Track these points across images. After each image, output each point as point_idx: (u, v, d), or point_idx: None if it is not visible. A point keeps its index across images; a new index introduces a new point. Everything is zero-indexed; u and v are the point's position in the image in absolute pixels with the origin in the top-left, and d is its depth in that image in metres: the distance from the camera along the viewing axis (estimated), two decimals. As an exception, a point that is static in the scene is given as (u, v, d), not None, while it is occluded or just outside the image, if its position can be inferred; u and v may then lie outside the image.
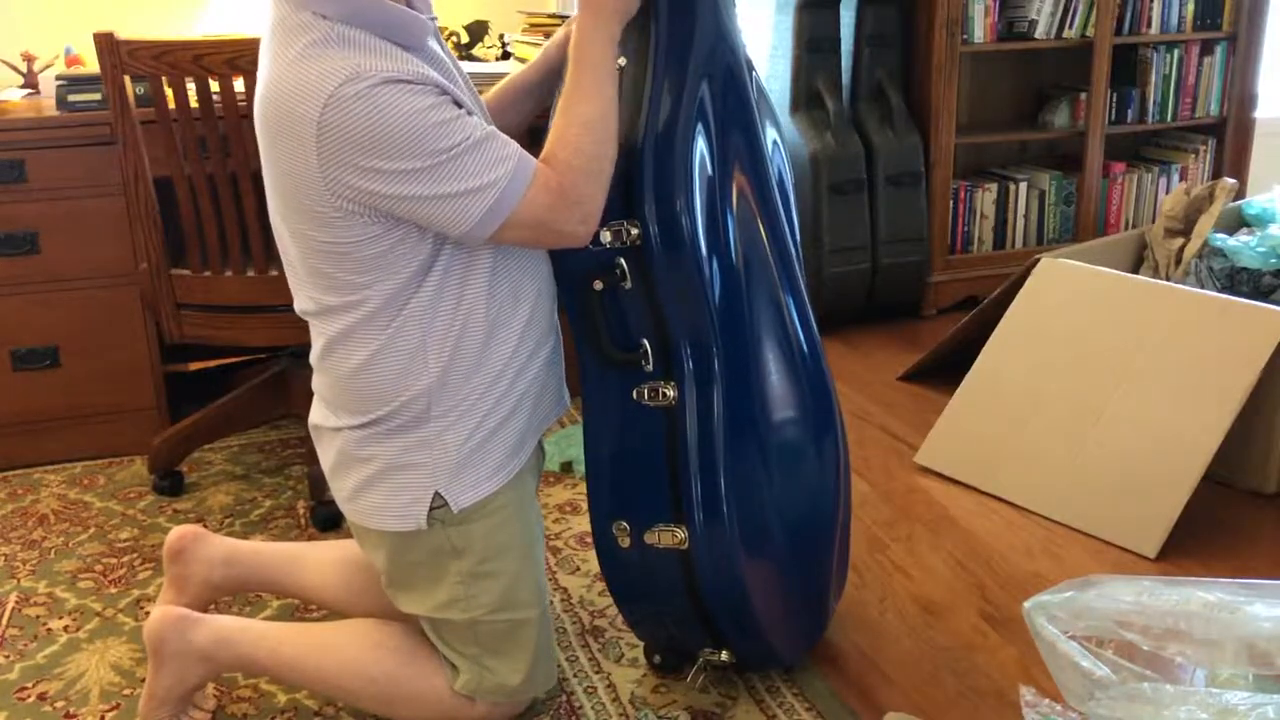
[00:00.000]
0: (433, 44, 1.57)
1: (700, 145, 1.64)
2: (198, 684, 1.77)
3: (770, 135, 1.82)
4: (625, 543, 1.73)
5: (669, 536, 1.68)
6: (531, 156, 1.51)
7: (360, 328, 1.57)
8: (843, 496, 1.89)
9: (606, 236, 1.60)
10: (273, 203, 1.58)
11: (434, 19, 1.61)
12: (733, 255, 1.69)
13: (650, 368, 1.66)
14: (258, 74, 1.53)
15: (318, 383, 1.68)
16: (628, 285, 1.63)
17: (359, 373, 1.58)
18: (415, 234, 1.51)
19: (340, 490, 1.67)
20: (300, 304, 1.64)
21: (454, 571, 1.66)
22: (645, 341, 1.65)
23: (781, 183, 1.84)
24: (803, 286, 1.82)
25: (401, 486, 1.61)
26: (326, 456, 1.69)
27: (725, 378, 1.67)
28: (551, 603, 2.13)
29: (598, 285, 1.64)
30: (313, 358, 1.66)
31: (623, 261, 1.62)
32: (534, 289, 1.64)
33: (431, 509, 1.62)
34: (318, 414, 1.69)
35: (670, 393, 1.65)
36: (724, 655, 1.81)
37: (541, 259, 1.67)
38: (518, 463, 1.67)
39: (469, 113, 1.48)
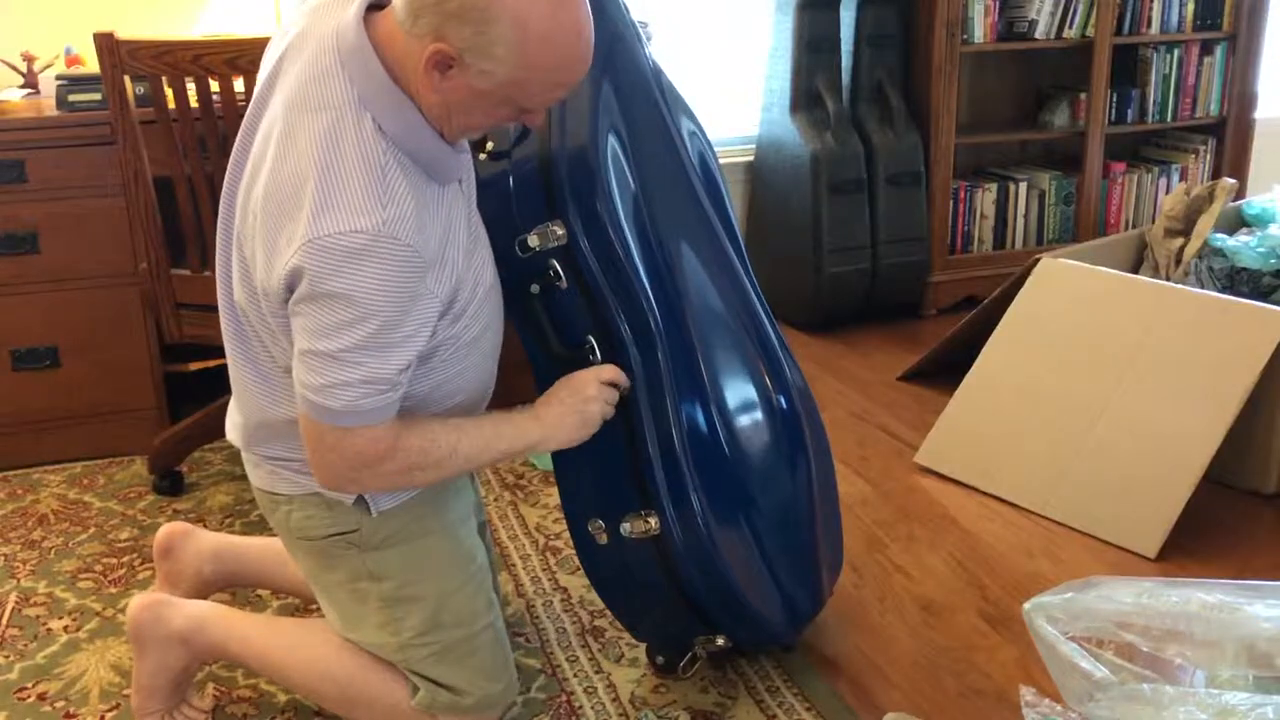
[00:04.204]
0: (457, 182, 1.53)
1: (611, 143, 1.70)
2: (182, 669, 1.77)
3: (685, 126, 1.88)
4: (603, 540, 1.75)
5: (641, 524, 1.70)
6: (391, 409, 1.45)
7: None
8: (814, 467, 1.89)
9: (534, 240, 1.65)
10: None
11: (465, 153, 1.56)
12: (659, 243, 1.74)
13: (598, 361, 1.69)
14: (276, 80, 1.48)
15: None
16: (563, 285, 1.67)
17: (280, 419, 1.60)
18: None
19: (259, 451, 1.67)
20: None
21: (375, 596, 1.66)
22: (590, 338, 1.69)
23: (706, 168, 1.89)
24: (735, 261, 1.86)
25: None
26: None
27: (672, 361, 1.70)
28: (551, 603, 2.13)
29: (534, 289, 1.68)
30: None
31: (554, 263, 1.66)
32: (468, 390, 1.65)
33: (345, 533, 1.63)
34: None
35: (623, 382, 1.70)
36: (720, 640, 1.81)
37: (482, 370, 1.66)
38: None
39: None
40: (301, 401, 1.44)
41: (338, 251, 1.34)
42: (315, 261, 1.35)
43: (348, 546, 1.64)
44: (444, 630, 1.66)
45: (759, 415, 1.82)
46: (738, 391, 1.80)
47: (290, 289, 1.39)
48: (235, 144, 1.56)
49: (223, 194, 1.58)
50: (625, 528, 1.70)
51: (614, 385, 1.66)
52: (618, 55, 1.75)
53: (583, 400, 1.63)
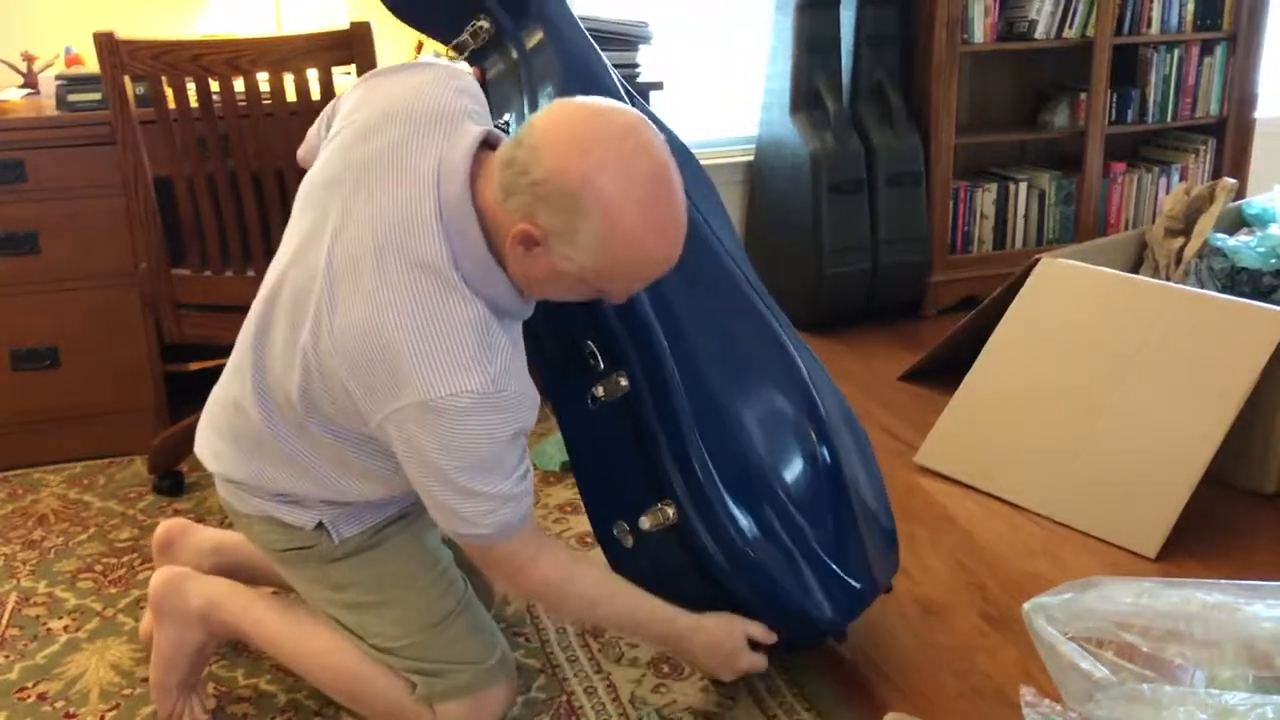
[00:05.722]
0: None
1: None
2: (200, 645, 1.79)
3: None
4: (629, 542, 1.74)
5: (660, 516, 1.71)
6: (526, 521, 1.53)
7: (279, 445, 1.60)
8: (841, 448, 1.88)
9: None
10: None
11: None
12: None
13: (601, 366, 1.71)
14: (358, 209, 1.46)
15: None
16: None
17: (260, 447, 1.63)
18: None
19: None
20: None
21: (339, 604, 1.69)
22: (590, 343, 1.70)
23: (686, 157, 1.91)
24: (721, 248, 1.87)
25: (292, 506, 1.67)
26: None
27: (670, 347, 1.72)
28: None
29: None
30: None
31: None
32: None
33: (304, 548, 1.67)
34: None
35: (623, 381, 1.70)
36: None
37: None
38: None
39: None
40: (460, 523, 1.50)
41: (450, 412, 1.38)
42: (422, 424, 1.39)
43: (307, 559, 1.68)
44: (419, 632, 1.68)
45: (768, 396, 1.83)
46: (740, 374, 1.81)
47: (387, 435, 1.44)
48: (301, 199, 1.55)
49: (288, 251, 1.54)
50: (645, 523, 1.71)
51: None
52: (587, 81, 1.78)
53: (731, 656, 1.74)
